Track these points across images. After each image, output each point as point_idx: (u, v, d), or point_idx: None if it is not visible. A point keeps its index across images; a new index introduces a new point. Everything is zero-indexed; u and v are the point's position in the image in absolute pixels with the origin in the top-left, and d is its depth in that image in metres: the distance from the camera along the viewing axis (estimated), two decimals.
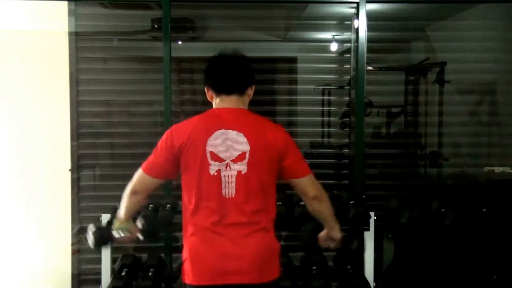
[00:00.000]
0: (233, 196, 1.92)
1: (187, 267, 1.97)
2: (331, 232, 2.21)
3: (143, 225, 2.26)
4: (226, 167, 1.92)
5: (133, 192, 2.05)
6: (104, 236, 2.20)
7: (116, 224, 2.15)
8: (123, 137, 3.65)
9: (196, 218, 1.96)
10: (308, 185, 2.05)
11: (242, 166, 1.92)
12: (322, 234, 2.25)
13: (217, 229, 1.93)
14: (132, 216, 2.17)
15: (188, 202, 1.99)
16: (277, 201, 2.10)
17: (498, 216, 2.85)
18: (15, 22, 3.52)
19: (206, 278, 1.91)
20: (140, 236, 2.23)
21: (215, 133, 1.93)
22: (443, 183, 3.87)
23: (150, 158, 2.04)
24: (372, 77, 3.53)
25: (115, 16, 3.66)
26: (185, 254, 1.99)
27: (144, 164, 2.04)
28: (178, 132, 1.98)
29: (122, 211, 2.11)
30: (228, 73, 2.03)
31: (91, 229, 2.23)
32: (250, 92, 2.09)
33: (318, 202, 2.09)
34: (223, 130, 1.94)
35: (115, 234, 2.15)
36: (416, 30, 3.93)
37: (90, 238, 2.21)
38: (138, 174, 2.05)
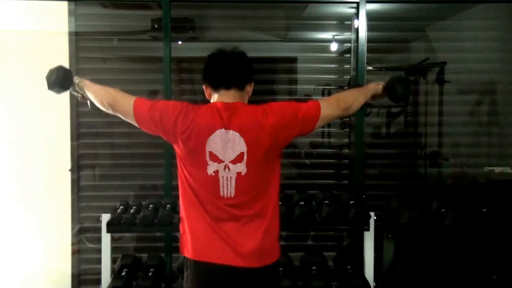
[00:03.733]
0: (232, 196, 1.92)
1: (186, 241, 1.98)
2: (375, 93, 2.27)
3: None
4: (224, 168, 1.91)
5: (111, 104, 2.09)
6: (66, 79, 2.23)
7: (79, 82, 2.24)
8: (123, 137, 3.65)
9: (193, 217, 1.96)
10: (329, 114, 2.07)
11: (241, 167, 1.91)
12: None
13: (215, 227, 1.93)
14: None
15: (185, 200, 1.99)
16: (279, 195, 2.09)
17: (498, 216, 2.85)
18: (15, 22, 3.52)
19: (205, 255, 1.93)
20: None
21: (215, 133, 1.91)
22: (443, 183, 3.87)
23: (146, 106, 2.01)
24: (372, 77, 3.52)
25: (115, 16, 3.66)
26: (183, 228, 2.00)
27: (138, 101, 2.04)
28: (185, 117, 1.94)
29: (94, 86, 2.19)
30: (227, 67, 2.00)
31: (59, 68, 2.23)
32: (249, 89, 2.06)
33: (349, 108, 2.15)
34: (223, 129, 1.91)
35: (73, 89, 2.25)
36: (416, 30, 3.93)
37: (55, 74, 2.21)
38: (130, 99, 2.05)
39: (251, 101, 2.11)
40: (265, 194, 1.97)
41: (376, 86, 2.28)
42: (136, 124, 2.06)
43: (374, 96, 2.29)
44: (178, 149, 1.98)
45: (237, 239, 1.92)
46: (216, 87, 2.01)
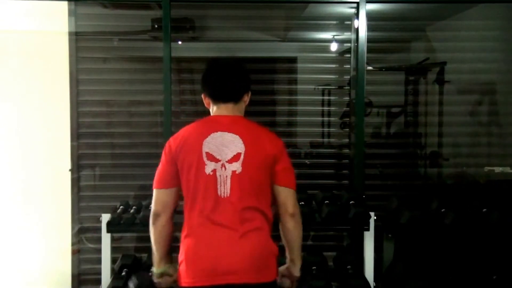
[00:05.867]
0: (228, 195, 1.93)
1: (182, 270, 1.97)
2: (291, 268, 2.14)
3: None
4: (221, 167, 1.94)
5: (155, 215, 2.04)
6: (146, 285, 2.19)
7: (154, 269, 2.12)
8: (123, 137, 3.65)
9: (192, 218, 1.97)
10: (291, 198, 2.03)
11: (236, 166, 1.94)
12: (282, 268, 2.18)
13: (212, 228, 1.93)
14: (167, 252, 2.11)
15: (185, 202, 2.01)
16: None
17: (498, 216, 2.85)
18: (15, 22, 3.52)
19: (202, 278, 1.90)
20: None
21: (211, 135, 1.96)
22: (443, 183, 3.87)
23: (156, 173, 2.06)
24: (372, 77, 3.53)
25: (115, 16, 3.66)
26: (181, 256, 1.99)
27: (153, 183, 2.06)
28: (174, 138, 2.04)
29: (154, 250, 2.09)
30: (225, 81, 2.06)
31: (132, 282, 2.25)
32: (246, 98, 2.12)
33: (294, 222, 2.05)
34: (219, 132, 1.97)
35: (156, 280, 2.11)
36: (416, 30, 3.93)
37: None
38: (153, 195, 2.05)
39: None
40: (259, 200, 1.98)
41: (297, 273, 2.16)
42: (175, 193, 2.04)
43: (289, 270, 2.16)
44: (179, 165, 2.00)
45: (231, 253, 1.90)
46: (214, 100, 2.08)
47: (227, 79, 2.07)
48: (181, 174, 2.00)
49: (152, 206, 2.05)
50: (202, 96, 2.12)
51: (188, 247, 1.96)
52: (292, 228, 2.06)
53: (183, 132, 2.04)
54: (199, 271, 1.91)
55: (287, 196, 2.03)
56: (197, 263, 1.92)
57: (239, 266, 1.90)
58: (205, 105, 2.14)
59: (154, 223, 2.05)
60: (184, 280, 1.95)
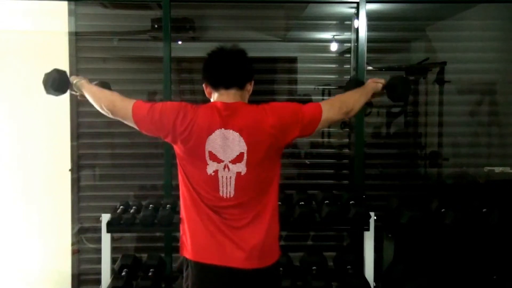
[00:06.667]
0: (231, 196, 1.91)
1: (186, 241, 1.98)
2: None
3: None
4: (224, 168, 1.90)
5: (110, 111, 2.07)
6: (62, 82, 2.27)
7: (75, 80, 2.25)
8: (123, 137, 3.64)
9: (193, 216, 1.96)
10: (330, 117, 2.05)
11: (241, 167, 1.90)
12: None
13: (214, 226, 1.92)
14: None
15: (183, 191, 1.99)
16: (278, 195, 2.08)
17: (498, 216, 2.85)
18: (15, 22, 3.52)
19: (207, 257, 1.92)
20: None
21: (215, 132, 1.90)
22: (443, 183, 3.87)
23: (145, 108, 1.99)
24: (372, 77, 3.52)
25: (115, 16, 3.66)
26: (183, 229, 2.00)
27: (137, 105, 2.01)
28: (184, 117, 1.92)
29: (92, 88, 2.20)
30: (227, 66, 1.98)
31: (53, 72, 2.26)
32: (250, 87, 2.04)
33: (350, 111, 2.12)
34: (223, 129, 1.90)
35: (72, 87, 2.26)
36: (416, 30, 3.93)
37: (50, 78, 2.26)
38: (128, 104, 2.02)
39: (251, 101, 2.09)
40: (265, 194, 1.96)
41: (375, 85, 2.27)
42: (136, 127, 2.04)
43: (373, 94, 2.27)
44: (178, 149, 1.98)
45: (237, 241, 1.91)
46: (215, 87, 1.99)
47: (229, 63, 1.98)
48: (180, 162, 1.97)
49: (119, 102, 2.05)
50: (204, 85, 2.03)
51: (191, 230, 1.96)
52: (354, 112, 2.16)
53: (192, 114, 1.92)
54: (203, 251, 1.93)
55: (327, 119, 2.03)
56: (201, 245, 1.93)
57: (239, 255, 1.91)
58: (206, 94, 2.05)
59: (107, 108, 2.09)
60: (188, 253, 1.97)
